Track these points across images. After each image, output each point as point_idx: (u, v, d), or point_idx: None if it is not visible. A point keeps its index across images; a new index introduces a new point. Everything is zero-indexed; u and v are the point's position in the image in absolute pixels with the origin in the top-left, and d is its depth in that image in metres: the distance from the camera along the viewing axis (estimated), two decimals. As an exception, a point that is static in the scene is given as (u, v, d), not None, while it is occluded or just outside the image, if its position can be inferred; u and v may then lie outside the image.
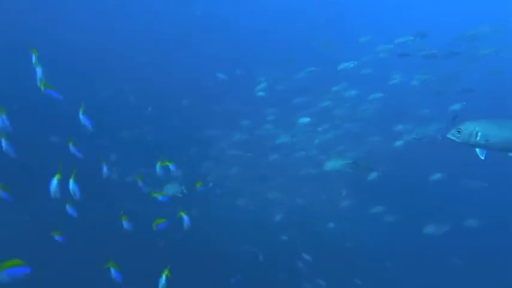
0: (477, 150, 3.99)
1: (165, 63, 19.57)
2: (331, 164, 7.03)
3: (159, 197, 6.24)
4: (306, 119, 11.02)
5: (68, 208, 5.56)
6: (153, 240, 8.82)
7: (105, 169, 5.90)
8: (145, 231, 6.50)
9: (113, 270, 5.31)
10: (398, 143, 10.90)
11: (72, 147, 5.32)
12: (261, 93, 11.88)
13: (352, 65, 10.52)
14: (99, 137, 12.24)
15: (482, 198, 11.71)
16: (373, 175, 10.27)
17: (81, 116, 5.12)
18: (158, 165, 6.27)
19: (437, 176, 10.65)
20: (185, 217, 6.12)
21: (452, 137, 4.03)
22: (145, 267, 6.49)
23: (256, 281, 9.16)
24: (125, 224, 5.92)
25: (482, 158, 3.95)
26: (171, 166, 6.20)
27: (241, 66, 16.21)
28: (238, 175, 11.84)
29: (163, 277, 5.01)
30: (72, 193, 5.10)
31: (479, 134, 3.80)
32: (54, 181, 4.79)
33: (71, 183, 5.05)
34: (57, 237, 5.78)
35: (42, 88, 4.73)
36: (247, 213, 11.23)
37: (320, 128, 11.50)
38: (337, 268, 9.69)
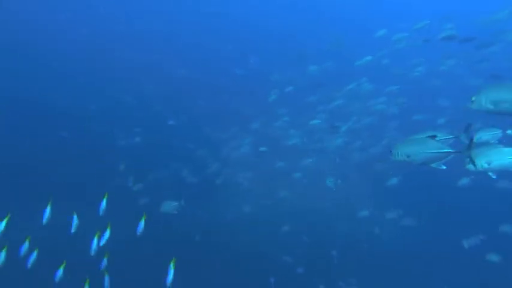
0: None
1: (175, 63, 19.07)
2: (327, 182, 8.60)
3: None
4: (318, 121, 11.05)
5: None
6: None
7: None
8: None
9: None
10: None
11: None
12: (274, 96, 11.74)
13: (369, 59, 10.43)
14: (110, 138, 12.02)
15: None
16: (393, 180, 10.14)
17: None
18: None
19: (464, 180, 10.12)
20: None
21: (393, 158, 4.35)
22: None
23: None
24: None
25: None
26: None
27: (253, 66, 15.78)
28: (254, 176, 11.39)
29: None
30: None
31: (399, 153, 4.17)
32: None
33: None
34: None
35: None
36: (263, 214, 10.78)
37: (337, 124, 11.02)
38: (369, 271, 9.25)
